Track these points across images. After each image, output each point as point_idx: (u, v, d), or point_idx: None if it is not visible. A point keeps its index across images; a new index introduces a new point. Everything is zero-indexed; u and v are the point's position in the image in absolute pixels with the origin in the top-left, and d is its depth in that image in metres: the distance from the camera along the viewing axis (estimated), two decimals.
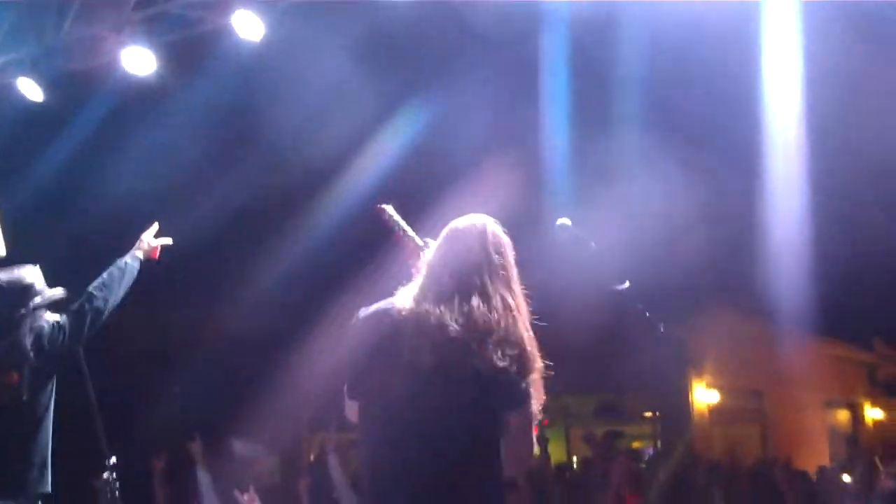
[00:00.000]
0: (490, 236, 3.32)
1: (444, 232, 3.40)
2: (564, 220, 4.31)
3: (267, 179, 10.37)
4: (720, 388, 17.14)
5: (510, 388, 3.14)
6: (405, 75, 9.88)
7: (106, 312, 5.04)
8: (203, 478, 8.34)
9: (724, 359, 16.53)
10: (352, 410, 3.32)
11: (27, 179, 8.83)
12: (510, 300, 3.23)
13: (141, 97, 8.65)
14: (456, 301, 3.18)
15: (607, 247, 4.48)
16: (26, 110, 8.56)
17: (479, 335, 3.11)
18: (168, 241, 5.44)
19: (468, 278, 3.23)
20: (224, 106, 9.41)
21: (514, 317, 3.20)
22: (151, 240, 5.38)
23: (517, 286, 3.30)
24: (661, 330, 4.42)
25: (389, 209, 3.76)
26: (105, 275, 5.10)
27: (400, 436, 3.13)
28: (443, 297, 3.19)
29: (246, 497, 7.55)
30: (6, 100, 8.42)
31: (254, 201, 10.51)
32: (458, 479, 3.10)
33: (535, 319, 3.34)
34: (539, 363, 3.21)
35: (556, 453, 19.14)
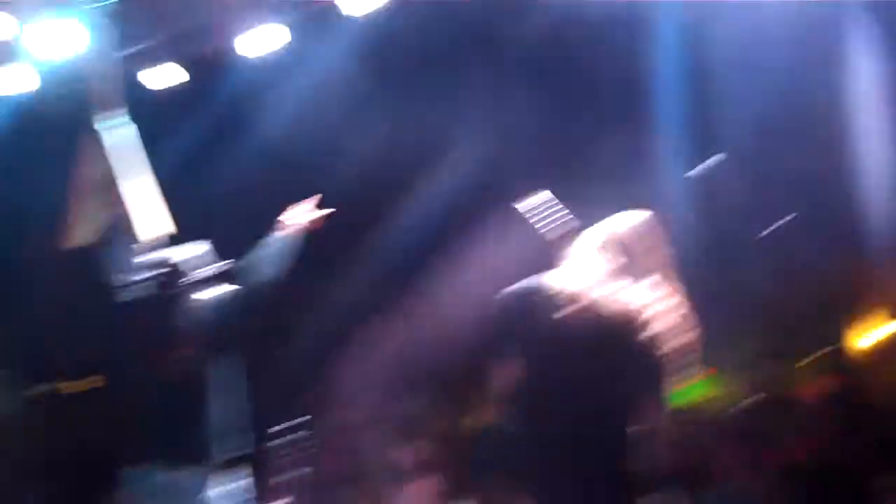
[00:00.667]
0: (649, 230, 3.49)
1: (604, 222, 3.58)
2: (716, 158, 4.16)
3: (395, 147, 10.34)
4: None
5: (661, 374, 3.31)
6: None
7: (271, 285, 5.11)
8: (371, 441, 8.52)
9: None
10: (499, 378, 3.49)
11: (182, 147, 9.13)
12: (667, 292, 3.38)
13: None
14: (618, 286, 3.37)
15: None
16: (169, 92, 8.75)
17: (641, 320, 3.29)
18: (329, 211, 5.42)
19: (631, 267, 3.41)
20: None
21: (672, 308, 3.34)
22: (312, 212, 5.37)
23: (672, 282, 3.44)
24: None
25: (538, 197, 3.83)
26: (266, 247, 5.17)
27: (553, 408, 3.31)
28: (606, 281, 3.37)
29: (405, 452, 7.64)
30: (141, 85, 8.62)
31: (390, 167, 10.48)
32: (607, 451, 3.30)
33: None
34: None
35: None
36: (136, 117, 5.97)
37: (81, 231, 5.61)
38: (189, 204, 6.21)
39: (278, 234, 5.20)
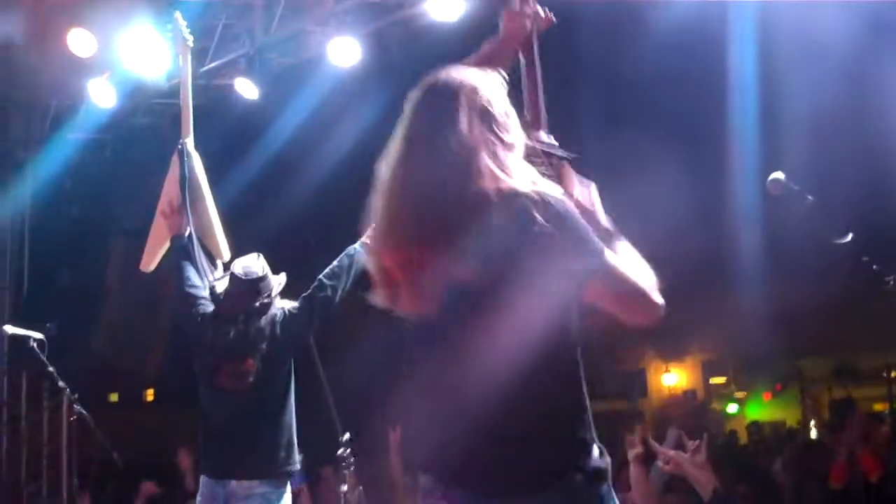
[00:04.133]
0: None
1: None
2: (777, 175, 4.14)
3: None
4: None
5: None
6: None
7: (336, 300, 5.12)
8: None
9: None
10: None
11: (244, 174, 9.18)
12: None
13: (348, 87, 8.86)
14: None
15: (825, 199, 4.29)
16: (244, 109, 8.93)
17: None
18: None
19: None
20: None
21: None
22: None
23: None
24: (892, 283, 4.19)
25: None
26: (335, 263, 5.17)
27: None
28: None
29: None
30: (225, 101, 8.82)
31: None
32: None
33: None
34: None
35: (791, 417, 18.51)
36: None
37: (157, 250, 5.68)
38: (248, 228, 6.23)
39: (349, 250, 5.16)
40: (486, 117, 2.60)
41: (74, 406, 6.01)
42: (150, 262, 5.75)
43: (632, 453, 5.93)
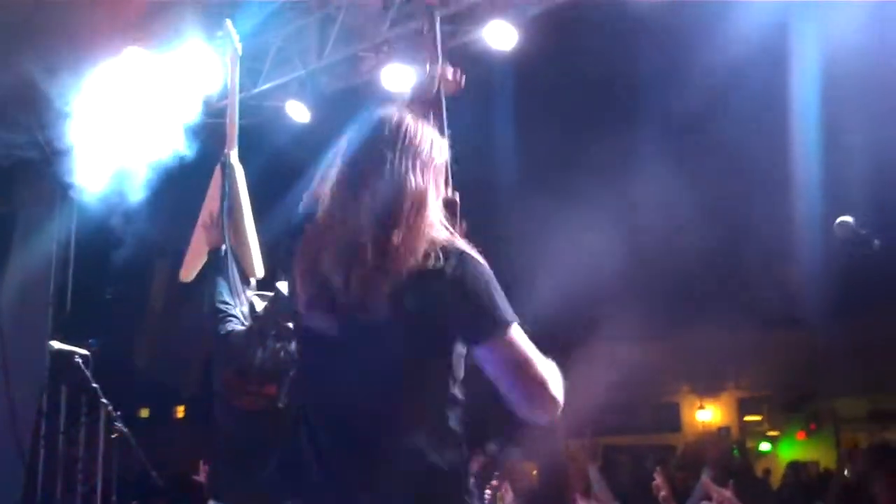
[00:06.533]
0: None
1: None
2: (845, 218, 4.11)
3: None
4: None
5: None
6: None
7: None
8: None
9: None
10: None
11: (289, 195, 9.22)
12: None
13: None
14: None
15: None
16: (293, 131, 8.94)
17: None
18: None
19: None
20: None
21: None
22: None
23: None
24: None
25: None
26: None
27: None
28: None
29: (494, 485, 7.55)
30: (275, 122, 8.85)
31: None
32: None
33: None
34: None
35: (825, 458, 18.31)
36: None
37: (196, 261, 5.59)
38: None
39: None
40: (430, 165, 2.69)
41: (115, 423, 5.96)
42: (189, 272, 5.68)
43: (661, 494, 5.86)
